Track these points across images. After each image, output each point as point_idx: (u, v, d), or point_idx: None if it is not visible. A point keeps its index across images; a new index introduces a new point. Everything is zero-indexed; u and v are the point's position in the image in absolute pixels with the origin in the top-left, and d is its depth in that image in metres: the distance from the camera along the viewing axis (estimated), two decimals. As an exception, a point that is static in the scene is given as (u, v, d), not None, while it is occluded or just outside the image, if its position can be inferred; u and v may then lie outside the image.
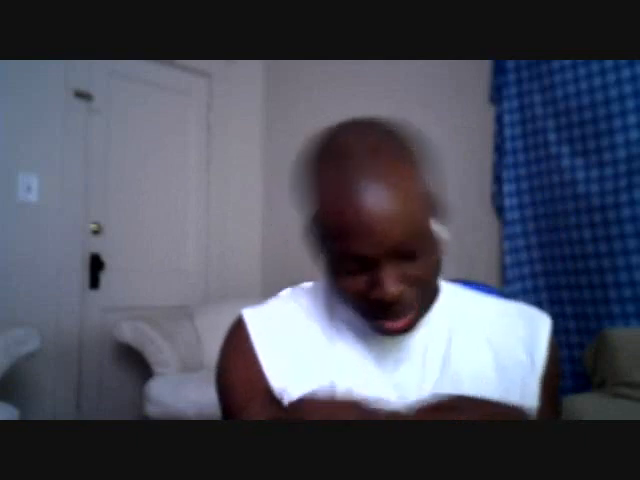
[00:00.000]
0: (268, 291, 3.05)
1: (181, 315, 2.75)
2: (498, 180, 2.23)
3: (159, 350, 2.42)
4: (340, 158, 0.60)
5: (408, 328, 0.64)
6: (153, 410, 2.27)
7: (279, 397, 0.68)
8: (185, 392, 2.26)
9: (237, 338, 0.72)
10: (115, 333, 2.51)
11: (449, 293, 0.75)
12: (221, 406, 0.74)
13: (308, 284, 0.79)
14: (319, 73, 3.02)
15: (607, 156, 1.80)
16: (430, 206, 0.62)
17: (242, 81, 3.29)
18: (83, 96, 2.64)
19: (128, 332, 2.47)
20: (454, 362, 0.69)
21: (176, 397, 2.25)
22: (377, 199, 0.58)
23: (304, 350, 0.71)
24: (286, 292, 0.78)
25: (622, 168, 1.76)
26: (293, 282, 0.95)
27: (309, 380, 0.68)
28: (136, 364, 2.62)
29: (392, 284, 0.60)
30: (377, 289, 0.61)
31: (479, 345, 0.70)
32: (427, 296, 0.66)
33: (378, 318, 0.64)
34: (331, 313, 0.74)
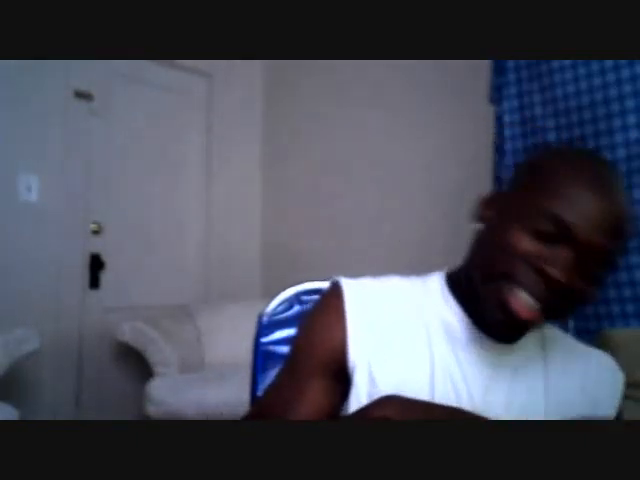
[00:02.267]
0: (268, 291, 3.05)
1: (181, 315, 2.75)
2: (498, 180, 2.23)
3: (159, 350, 2.42)
4: (577, 163, 0.62)
5: (530, 324, 0.59)
6: (153, 410, 2.27)
7: (350, 369, 0.66)
8: (186, 392, 2.27)
9: (331, 301, 0.70)
10: (115, 333, 2.51)
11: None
12: (287, 360, 0.72)
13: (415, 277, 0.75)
14: (319, 73, 3.02)
15: (606, 156, 1.80)
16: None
17: (242, 81, 3.29)
18: (83, 96, 2.65)
19: (128, 332, 2.47)
20: (552, 394, 0.66)
21: (177, 397, 2.25)
22: (614, 200, 0.58)
23: (398, 333, 0.68)
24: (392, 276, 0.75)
25: (621, 168, 1.76)
26: (293, 282, 0.95)
27: (402, 373, 0.65)
28: (136, 364, 2.62)
29: (568, 272, 0.56)
30: (552, 264, 0.56)
31: (574, 388, 0.68)
32: (558, 310, 0.60)
33: (510, 284, 0.58)
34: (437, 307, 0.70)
